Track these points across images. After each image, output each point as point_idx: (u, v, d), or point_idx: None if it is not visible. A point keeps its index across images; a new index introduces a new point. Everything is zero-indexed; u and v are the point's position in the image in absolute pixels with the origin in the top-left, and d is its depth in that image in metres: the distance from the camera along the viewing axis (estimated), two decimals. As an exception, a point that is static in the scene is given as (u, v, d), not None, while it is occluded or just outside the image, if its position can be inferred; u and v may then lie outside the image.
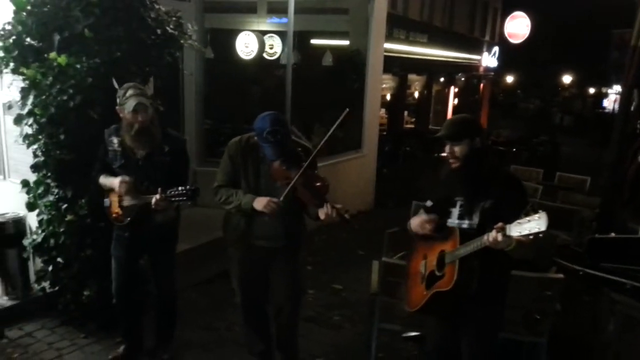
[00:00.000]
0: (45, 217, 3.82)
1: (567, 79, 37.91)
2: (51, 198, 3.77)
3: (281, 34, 8.63)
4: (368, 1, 7.85)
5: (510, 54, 23.40)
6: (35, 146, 3.68)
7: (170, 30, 3.82)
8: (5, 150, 4.50)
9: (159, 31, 3.76)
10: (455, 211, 2.63)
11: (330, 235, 6.45)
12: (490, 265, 2.48)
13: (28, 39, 3.55)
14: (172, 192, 3.01)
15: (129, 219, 3.23)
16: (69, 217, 3.70)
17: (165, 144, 3.24)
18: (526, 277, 3.13)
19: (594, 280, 3.38)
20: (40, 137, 3.63)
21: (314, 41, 9.73)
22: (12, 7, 3.57)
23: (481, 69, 20.28)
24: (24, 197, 3.94)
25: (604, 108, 34.39)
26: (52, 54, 3.41)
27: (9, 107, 4.07)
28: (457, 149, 2.57)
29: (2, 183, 4.55)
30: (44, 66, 3.48)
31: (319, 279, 5.12)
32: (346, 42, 8.94)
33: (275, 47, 8.78)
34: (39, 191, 3.82)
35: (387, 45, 9.15)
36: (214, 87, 6.65)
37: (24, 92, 3.59)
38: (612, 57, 27.80)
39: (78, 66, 3.43)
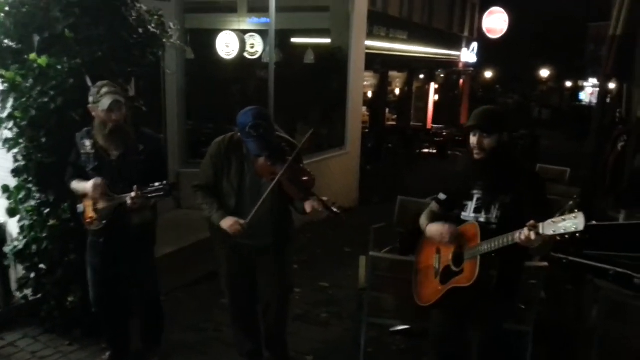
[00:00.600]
0: (27, 222, 3.74)
1: (544, 73, 38.42)
2: (33, 203, 3.69)
3: (262, 33, 8.60)
4: (348, -2, 7.88)
5: (489, 50, 23.65)
6: (15, 150, 3.60)
7: (152, 30, 3.78)
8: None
9: (140, 30, 3.71)
10: (471, 204, 2.61)
11: (316, 233, 6.45)
12: (509, 260, 2.47)
13: (6, 41, 3.48)
14: (149, 189, 2.96)
15: (104, 222, 3.15)
16: (51, 222, 3.63)
17: (139, 143, 3.18)
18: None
19: (578, 268, 3.44)
20: (20, 140, 3.56)
21: (295, 39, 9.72)
22: (-11, 9, 3.51)
23: (460, 65, 20.47)
24: (4, 203, 3.85)
25: (581, 101, 34.94)
26: (32, 55, 3.36)
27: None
28: (486, 140, 2.52)
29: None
30: (23, 68, 3.42)
31: (306, 277, 5.12)
32: (327, 40, 8.95)
33: (256, 46, 8.76)
34: (20, 196, 3.73)
35: (368, 43, 9.19)
36: (196, 87, 6.61)
37: (4, 95, 3.51)
38: (588, 50, 28.29)
39: (59, 67, 3.38)
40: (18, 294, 3.99)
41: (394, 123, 16.92)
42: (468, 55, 20.54)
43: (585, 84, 35.55)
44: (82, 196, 3.21)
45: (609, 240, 3.49)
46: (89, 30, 3.48)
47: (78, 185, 3.19)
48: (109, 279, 3.35)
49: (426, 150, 15.30)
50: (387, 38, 12.82)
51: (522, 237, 2.26)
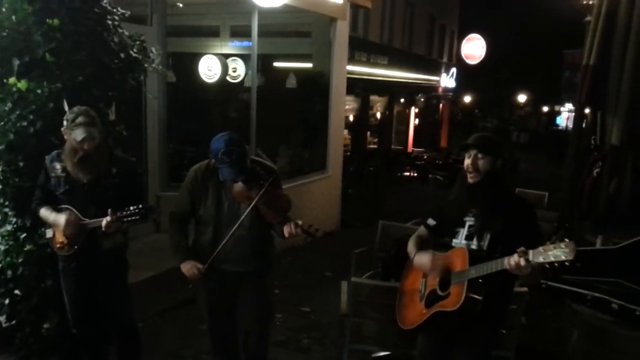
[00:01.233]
0: (2, 247, 3.66)
1: (522, 98, 39.26)
2: (9, 227, 3.63)
3: (244, 57, 8.68)
4: (330, 24, 7.99)
5: (468, 75, 24.11)
6: (-8, 174, 3.56)
7: (133, 54, 3.79)
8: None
9: (122, 55, 3.72)
10: (463, 231, 2.64)
11: (297, 257, 6.43)
12: (496, 287, 2.49)
13: (-14, 65, 3.46)
14: (124, 212, 2.93)
15: (75, 247, 3.10)
16: (27, 247, 3.57)
17: (112, 166, 3.15)
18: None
19: (557, 293, 3.48)
20: (-3, 164, 3.52)
21: (277, 64, 9.82)
22: (-32, 33, 3.48)
23: (440, 90, 20.78)
24: (-21, 228, 3.78)
25: (558, 125, 35.73)
26: (12, 80, 3.33)
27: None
28: (481, 162, 2.58)
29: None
30: (2, 92, 3.39)
31: (287, 302, 5.09)
32: (309, 65, 9.05)
33: (238, 70, 8.84)
34: (-4, 221, 3.68)
35: (349, 67, 9.31)
36: (177, 111, 6.61)
37: (-19, 119, 3.47)
38: (564, 76, 29.03)
39: (39, 91, 3.36)
40: (-9, 321, 3.87)
41: (375, 146, 17.05)
42: (447, 80, 20.88)
43: (561, 108, 36.41)
44: None
45: (586, 265, 3.54)
46: (70, 54, 3.48)
47: (48, 215, 3.12)
48: (86, 302, 3.29)
49: (407, 174, 15.42)
50: (368, 63, 12.99)
51: (512, 262, 2.28)
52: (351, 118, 14.20)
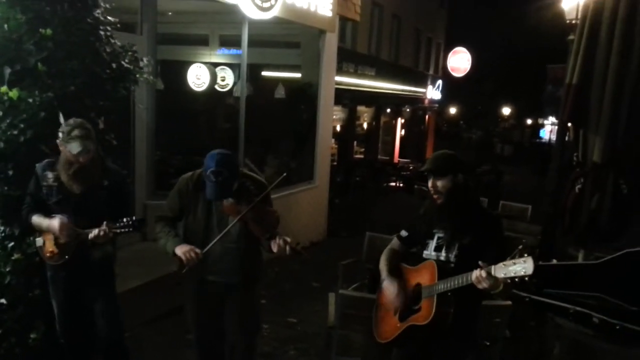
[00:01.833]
0: (-11, 256, 3.64)
1: (506, 110, 39.76)
2: (-4, 236, 3.61)
3: (233, 67, 8.71)
4: (319, 36, 8.07)
5: (453, 87, 24.40)
6: (-20, 182, 3.54)
7: (125, 65, 3.80)
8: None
9: (114, 65, 3.73)
10: (432, 243, 2.70)
11: (284, 268, 6.45)
12: (465, 300, 2.53)
13: (-23, 73, 3.45)
14: (117, 224, 2.96)
15: (66, 257, 3.10)
16: (15, 256, 3.53)
17: (104, 178, 3.17)
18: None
19: (540, 307, 3.55)
20: (-14, 172, 3.50)
21: (266, 74, 9.87)
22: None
23: (426, 101, 20.99)
24: (-35, 235, 3.75)
25: (542, 138, 36.22)
26: (3, 88, 3.32)
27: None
28: (439, 183, 2.64)
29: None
30: (-7, 100, 3.39)
31: (274, 312, 5.10)
32: (298, 75, 9.11)
33: (227, 79, 8.87)
34: (-17, 229, 3.65)
35: (337, 78, 9.40)
36: (165, 119, 6.61)
37: (-29, 127, 3.46)
38: (547, 90, 29.50)
39: (30, 100, 3.36)
40: (-25, 331, 3.82)
41: (361, 156, 17.16)
42: (433, 92, 21.10)
43: (545, 121, 36.95)
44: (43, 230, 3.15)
45: (568, 279, 3.63)
46: (62, 64, 3.48)
47: (41, 221, 3.12)
48: (74, 311, 3.30)
49: (393, 184, 15.52)
50: (356, 74, 13.11)
51: (474, 277, 2.34)
52: (338, 128, 14.29)
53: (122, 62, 3.83)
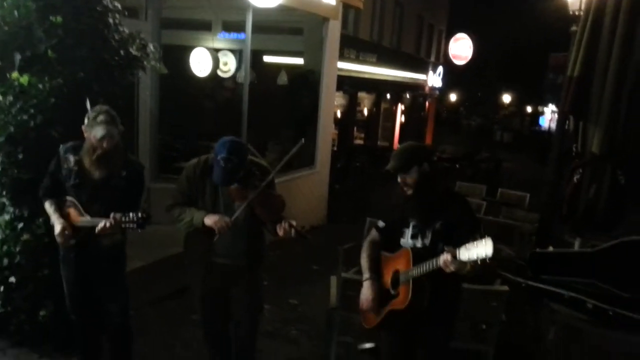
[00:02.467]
0: (-1, 236, 3.74)
1: (506, 98, 39.68)
2: (7, 217, 3.69)
3: (235, 52, 8.73)
4: (322, 23, 8.08)
5: (454, 74, 24.35)
6: (-10, 165, 3.61)
7: (133, 52, 3.85)
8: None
9: (122, 52, 3.78)
10: (409, 231, 2.80)
11: (285, 251, 6.53)
12: (440, 284, 2.63)
13: (-13, 58, 3.51)
14: (124, 218, 3.00)
15: (73, 241, 3.16)
16: (25, 237, 3.63)
17: (123, 168, 3.21)
18: (473, 290, 3.35)
19: (536, 292, 3.65)
20: (-4, 155, 3.57)
21: (269, 60, 9.88)
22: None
23: (427, 88, 20.97)
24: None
25: (541, 126, 36.20)
26: (15, 74, 3.38)
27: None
28: (408, 178, 2.73)
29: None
30: (4, 85, 3.44)
31: (275, 294, 5.21)
32: (300, 61, 9.12)
33: (229, 64, 8.88)
34: (-6, 210, 3.73)
35: (339, 65, 9.41)
36: (167, 103, 6.66)
37: (-19, 111, 3.52)
38: (548, 78, 29.45)
39: (40, 86, 3.42)
40: (-15, 307, 3.91)
41: (361, 142, 17.20)
42: (434, 79, 21.07)
43: (545, 109, 36.90)
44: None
45: (564, 266, 3.72)
46: (71, 51, 3.53)
47: (51, 213, 3.19)
48: (83, 292, 3.37)
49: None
50: (357, 60, 13.11)
51: (441, 262, 2.46)
52: (339, 114, 14.32)
53: (130, 49, 3.87)
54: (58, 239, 3.13)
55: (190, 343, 4.18)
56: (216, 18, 9.35)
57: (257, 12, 6.75)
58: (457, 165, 14.79)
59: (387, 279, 2.84)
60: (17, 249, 3.66)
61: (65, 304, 3.47)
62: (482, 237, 2.32)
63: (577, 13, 5.38)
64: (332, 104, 9.14)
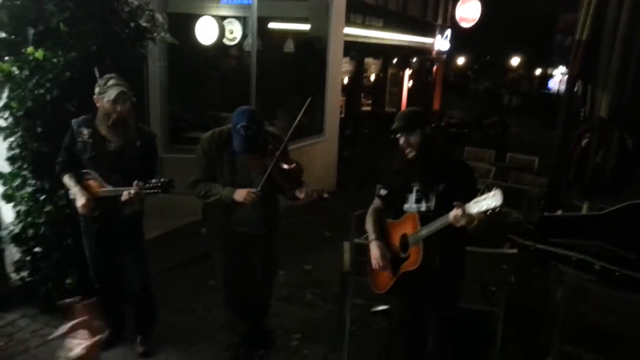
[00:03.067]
0: (23, 208, 3.84)
1: (515, 60, 39.07)
2: (29, 190, 3.80)
3: (240, 20, 8.65)
4: (328, -12, 7.99)
5: (462, 37, 23.95)
6: (11, 139, 3.70)
7: (143, 24, 3.88)
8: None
9: (132, 25, 3.82)
10: (412, 196, 2.86)
11: (297, 218, 6.64)
12: (449, 242, 2.72)
13: (1, 33, 3.55)
14: (148, 185, 3.07)
15: (98, 211, 3.25)
16: (47, 208, 3.75)
17: (137, 138, 3.28)
18: (483, 253, 3.42)
19: (544, 254, 3.73)
20: (16, 129, 3.65)
21: (274, 27, 9.78)
22: (-17, 2, 3.55)
23: (434, 52, 20.68)
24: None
25: (550, 89, 35.74)
26: (30, 49, 3.43)
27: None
28: (411, 138, 2.80)
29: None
30: (19, 60, 3.50)
31: (289, 260, 5.33)
32: (306, 28, 9.04)
33: (235, 32, 8.79)
34: (16, 183, 3.83)
35: (345, 30, 9.32)
36: (176, 73, 6.67)
37: (-1, 86, 3.58)
38: (556, 39, 28.93)
39: (55, 60, 3.47)
40: (15, 276, 4.07)
41: (368, 108, 17.12)
42: (441, 42, 20.75)
43: (554, 72, 36.35)
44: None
45: (572, 228, 3.80)
46: (83, 24, 3.57)
47: (71, 186, 3.26)
48: (106, 260, 3.50)
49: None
50: (364, 25, 12.95)
51: (451, 217, 2.53)
52: (345, 80, 14.23)
53: (140, 22, 3.90)
54: (82, 211, 3.21)
55: (209, 308, 4.33)
56: (221, -16, 9.23)
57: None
58: (465, 130, 14.74)
59: (396, 243, 2.91)
60: (41, 220, 3.78)
61: (88, 273, 3.61)
62: (489, 190, 2.39)
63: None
64: (340, 70, 9.09)
